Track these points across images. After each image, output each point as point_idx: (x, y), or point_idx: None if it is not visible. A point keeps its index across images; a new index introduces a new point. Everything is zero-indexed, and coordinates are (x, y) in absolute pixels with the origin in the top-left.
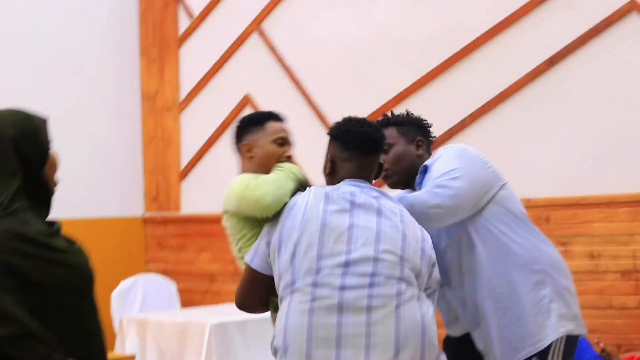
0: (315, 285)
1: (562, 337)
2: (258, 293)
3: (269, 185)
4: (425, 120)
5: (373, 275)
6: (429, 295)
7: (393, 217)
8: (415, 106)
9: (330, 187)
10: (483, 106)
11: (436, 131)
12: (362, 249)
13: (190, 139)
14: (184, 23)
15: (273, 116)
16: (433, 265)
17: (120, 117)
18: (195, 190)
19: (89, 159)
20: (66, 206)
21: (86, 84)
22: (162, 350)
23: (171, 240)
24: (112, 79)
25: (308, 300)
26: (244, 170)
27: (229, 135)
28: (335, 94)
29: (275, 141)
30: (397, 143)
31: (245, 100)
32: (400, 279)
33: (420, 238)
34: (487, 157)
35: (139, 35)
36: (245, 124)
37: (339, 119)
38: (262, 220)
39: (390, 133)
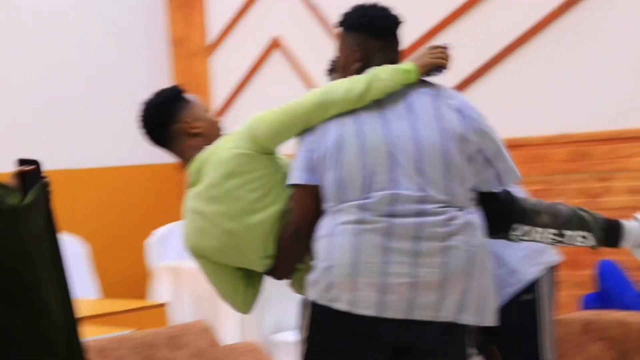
0: (362, 208)
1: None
2: (317, 214)
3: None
4: None
5: (422, 202)
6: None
7: (425, 116)
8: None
9: None
10: (516, 41)
11: (467, 69)
12: (408, 173)
13: (220, 84)
14: None
15: (181, 87)
16: (479, 152)
17: (150, 64)
18: None
19: (121, 107)
20: (100, 155)
21: (114, 31)
22: (198, 298)
23: None
24: (139, 26)
25: (354, 222)
26: (189, 148)
27: (259, 79)
28: None
29: (205, 109)
30: None
31: (274, 42)
32: (450, 204)
33: (461, 132)
34: (522, 94)
35: None
36: (168, 103)
37: None
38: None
39: None
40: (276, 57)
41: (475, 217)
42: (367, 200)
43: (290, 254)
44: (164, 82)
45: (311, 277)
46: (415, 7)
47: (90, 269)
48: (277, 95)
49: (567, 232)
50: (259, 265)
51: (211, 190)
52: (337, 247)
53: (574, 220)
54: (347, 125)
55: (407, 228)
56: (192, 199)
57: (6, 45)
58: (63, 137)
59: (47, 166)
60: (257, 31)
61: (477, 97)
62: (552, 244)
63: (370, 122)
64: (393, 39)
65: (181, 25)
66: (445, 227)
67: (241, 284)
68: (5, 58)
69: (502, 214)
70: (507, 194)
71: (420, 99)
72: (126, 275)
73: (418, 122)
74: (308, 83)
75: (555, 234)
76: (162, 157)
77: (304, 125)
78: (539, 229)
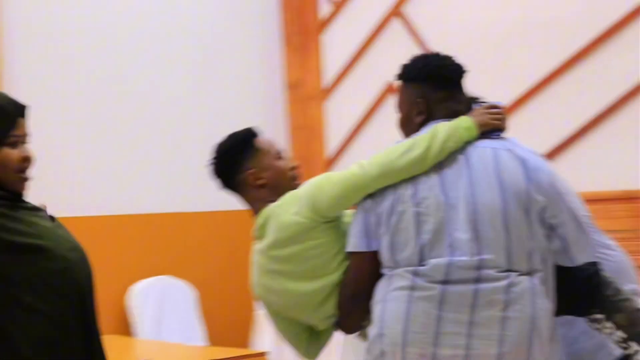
0: (416, 274)
1: None
2: (374, 278)
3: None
4: None
5: (479, 268)
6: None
7: (485, 173)
8: (561, 89)
9: None
10: (625, 95)
11: (588, 113)
12: (465, 237)
13: (335, 128)
14: (324, 8)
15: (253, 132)
16: (544, 214)
17: (265, 107)
18: None
19: None
20: (210, 198)
21: (230, 74)
22: None
23: None
24: (255, 68)
25: (407, 288)
26: (255, 199)
27: (374, 123)
28: (478, 80)
29: (277, 157)
30: None
31: (389, 87)
32: (509, 269)
33: (523, 189)
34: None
35: (281, 23)
36: (234, 151)
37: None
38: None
39: None
40: (392, 101)
41: (537, 282)
42: (421, 267)
43: (352, 314)
44: (279, 125)
45: (366, 344)
46: (534, 51)
47: (197, 314)
48: (392, 140)
49: (634, 346)
50: (320, 324)
51: (272, 251)
52: (389, 314)
53: None
54: (403, 188)
55: (462, 296)
56: (257, 254)
57: (123, 88)
58: (176, 180)
59: (158, 209)
60: (372, 75)
61: (593, 147)
62: (616, 345)
63: (426, 182)
64: (457, 89)
65: (297, 69)
66: (504, 295)
67: (304, 334)
68: (122, 101)
69: (579, 297)
70: (595, 275)
71: (479, 152)
72: (232, 321)
73: (477, 179)
74: None
75: (622, 339)
76: None
77: (364, 195)
78: (610, 327)
